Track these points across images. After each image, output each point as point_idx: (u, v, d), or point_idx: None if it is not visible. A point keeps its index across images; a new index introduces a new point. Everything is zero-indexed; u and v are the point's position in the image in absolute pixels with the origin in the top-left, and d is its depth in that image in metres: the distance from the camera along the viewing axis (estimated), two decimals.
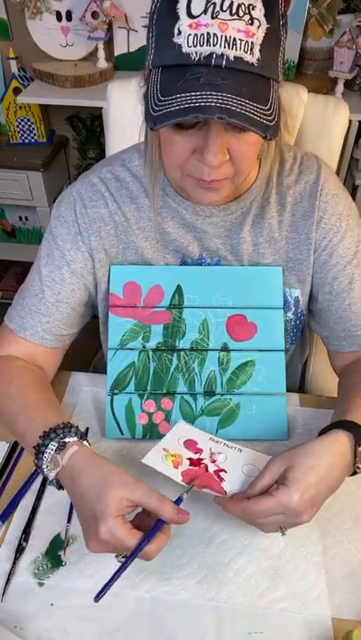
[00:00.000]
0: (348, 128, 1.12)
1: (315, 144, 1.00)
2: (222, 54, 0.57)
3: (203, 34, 0.57)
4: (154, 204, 0.80)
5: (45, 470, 0.64)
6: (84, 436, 0.67)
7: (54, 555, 0.68)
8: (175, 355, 0.83)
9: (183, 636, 0.61)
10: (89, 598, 0.64)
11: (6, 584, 0.65)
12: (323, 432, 0.69)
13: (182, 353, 0.83)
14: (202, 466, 0.69)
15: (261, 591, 0.65)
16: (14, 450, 0.80)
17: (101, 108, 1.10)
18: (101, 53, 1.73)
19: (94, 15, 1.67)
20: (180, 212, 0.80)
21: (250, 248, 0.82)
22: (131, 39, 1.76)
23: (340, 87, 1.65)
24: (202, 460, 0.70)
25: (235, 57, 0.57)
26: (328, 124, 1.00)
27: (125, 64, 1.80)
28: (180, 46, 0.58)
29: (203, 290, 0.83)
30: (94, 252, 0.82)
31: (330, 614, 0.63)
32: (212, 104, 0.57)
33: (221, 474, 0.69)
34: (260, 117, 0.59)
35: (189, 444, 0.73)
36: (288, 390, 0.83)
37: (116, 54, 1.79)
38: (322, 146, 1.00)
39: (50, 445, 0.64)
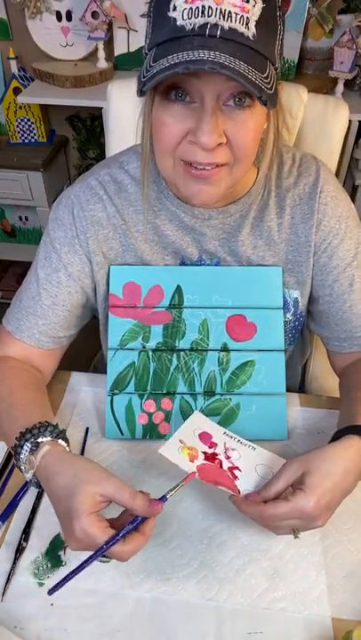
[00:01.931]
0: (349, 128, 1.12)
1: (315, 144, 1.00)
2: (216, 24, 0.56)
3: (198, 7, 0.56)
4: (143, 194, 0.78)
5: (23, 471, 0.65)
6: (60, 434, 0.67)
7: (54, 555, 0.68)
8: (175, 355, 0.83)
9: (183, 636, 0.61)
10: (89, 598, 0.64)
11: (6, 584, 0.65)
12: (335, 436, 0.69)
13: (182, 353, 0.83)
14: (216, 461, 0.69)
15: (261, 591, 0.65)
16: None
17: (101, 108, 1.10)
18: (101, 53, 1.73)
19: (94, 15, 1.67)
20: (179, 215, 0.80)
21: (249, 250, 0.82)
22: (131, 39, 1.76)
23: (340, 87, 1.65)
24: (217, 455, 0.70)
25: (230, 27, 0.57)
26: (328, 124, 1.00)
27: (125, 64, 1.80)
28: (174, 20, 0.58)
29: (202, 290, 0.83)
30: (92, 254, 0.82)
31: (330, 614, 0.63)
32: (204, 58, 0.55)
33: (235, 472, 0.68)
34: (256, 79, 0.58)
35: (205, 437, 0.72)
36: (288, 391, 0.83)
37: (116, 54, 1.79)
38: (322, 146, 1.00)
39: (25, 446, 0.64)
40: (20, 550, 0.68)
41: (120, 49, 1.78)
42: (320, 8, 1.63)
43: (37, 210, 1.98)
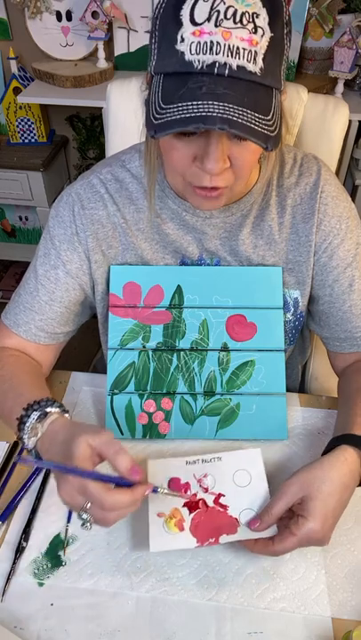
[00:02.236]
0: (348, 128, 1.12)
1: (315, 144, 1.00)
2: (225, 63, 0.57)
3: (206, 42, 0.57)
4: (151, 206, 0.80)
5: (25, 439, 0.66)
6: (66, 411, 0.69)
7: (54, 555, 0.68)
8: (175, 355, 0.83)
9: (183, 636, 0.61)
10: (89, 598, 0.64)
11: (6, 584, 0.65)
12: (330, 445, 0.69)
13: (182, 353, 0.83)
14: (201, 503, 0.68)
15: (261, 591, 0.65)
16: (14, 450, 0.80)
17: (101, 108, 1.10)
18: (101, 53, 1.73)
19: (94, 15, 1.67)
20: (180, 214, 0.80)
21: (249, 249, 0.82)
22: (131, 39, 1.76)
23: (340, 87, 1.65)
24: (196, 496, 0.69)
25: (238, 66, 0.57)
26: (328, 124, 1.00)
27: (125, 64, 1.80)
28: (182, 53, 0.58)
29: (203, 290, 0.83)
30: (91, 253, 0.82)
31: (330, 614, 0.63)
32: (214, 114, 0.56)
33: (221, 500, 0.68)
34: (262, 128, 0.59)
35: (175, 484, 0.70)
36: (288, 391, 0.83)
37: (116, 54, 1.79)
38: (322, 146, 1.00)
39: (32, 415, 0.66)
40: (19, 550, 0.68)
41: (120, 49, 1.78)
42: (320, 8, 1.63)
43: (37, 210, 1.98)
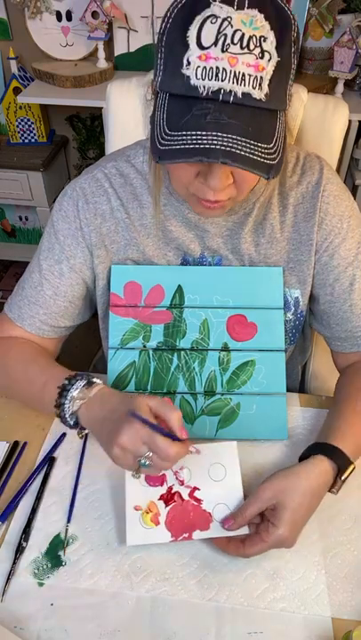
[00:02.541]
0: (348, 128, 1.12)
1: (315, 144, 1.00)
2: (230, 91, 0.57)
3: (212, 67, 0.57)
4: (156, 211, 0.80)
5: (67, 404, 0.70)
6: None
7: (54, 555, 0.68)
8: (175, 354, 0.83)
9: (183, 636, 0.61)
10: (89, 598, 0.64)
11: (6, 584, 0.65)
12: (310, 450, 0.72)
13: (183, 353, 0.83)
14: (176, 495, 0.69)
15: (261, 591, 0.65)
16: (14, 450, 0.80)
17: (101, 108, 1.10)
18: (101, 53, 1.74)
19: (94, 15, 1.67)
20: (183, 211, 0.80)
21: (251, 248, 0.82)
22: (131, 39, 1.76)
23: (340, 87, 1.65)
24: (172, 489, 0.70)
25: (243, 93, 0.58)
26: (328, 124, 1.00)
27: (125, 64, 1.80)
28: (188, 77, 0.58)
29: (203, 290, 0.83)
30: (94, 247, 0.82)
31: (330, 614, 0.63)
32: (217, 147, 0.57)
33: (196, 493, 0.69)
34: (264, 159, 0.60)
35: (149, 477, 0.71)
36: (288, 390, 0.83)
37: (116, 54, 1.79)
38: (322, 146, 1.00)
39: (77, 384, 0.70)
40: (20, 550, 0.68)
41: (120, 49, 1.78)
42: (320, 8, 1.63)
43: (37, 210, 1.98)
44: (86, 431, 0.72)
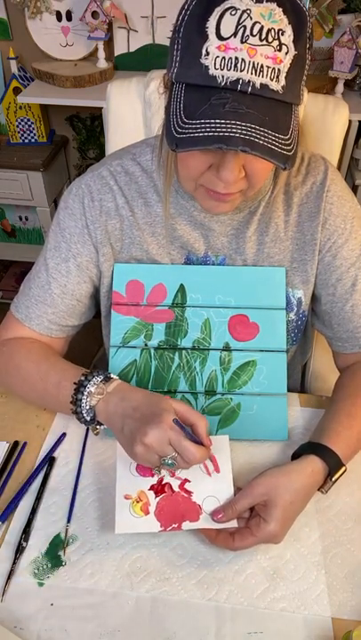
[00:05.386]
0: (348, 128, 1.12)
1: (315, 144, 1.00)
2: (249, 81, 0.57)
3: (231, 58, 0.57)
4: (166, 207, 0.80)
5: (84, 399, 0.70)
6: None
7: (54, 555, 0.68)
8: (177, 353, 0.83)
9: (183, 636, 0.61)
10: (89, 598, 0.64)
11: (6, 584, 0.65)
12: (303, 449, 0.72)
13: (184, 352, 0.83)
14: (167, 487, 0.70)
15: (261, 591, 0.65)
16: (14, 450, 0.80)
17: (101, 108, 1.10)
18: (101, 53, 1.73)
19: (94, 15, 1.67)
20: (189, 210, 0.81)
21: (255, 247, 0.83)
22: (131, 39, 1.76)
23: (340, 87, 1.65)
24: (162, 479, 0.70)
25: (261, 84, 0.58)
26: (328, 124, 1.00)
27: (125, 64, 1.80)
28: (206, 67, 0.58)
29: (205, 289, 0.83)
30: (99, 245, 0.82)
31: (330, 614, 0.63)
32: (236, 135, 0.57)
33: (186, 485, 0.70)
34: (281, 148, 0.60)
35: (140, 467, 0.71)
36: (288, 390, 0.83)
37: (116, 54, 1.79)
38: (322, 146, 1.00)
39: (93, 380, 0.71)
40: (20, 550, 0.68)
41: (120, 49, 1.78)
42: (320, 8, 1.63)
43: (37, 210, 1.98)
44: (103, 427, 0.72)
